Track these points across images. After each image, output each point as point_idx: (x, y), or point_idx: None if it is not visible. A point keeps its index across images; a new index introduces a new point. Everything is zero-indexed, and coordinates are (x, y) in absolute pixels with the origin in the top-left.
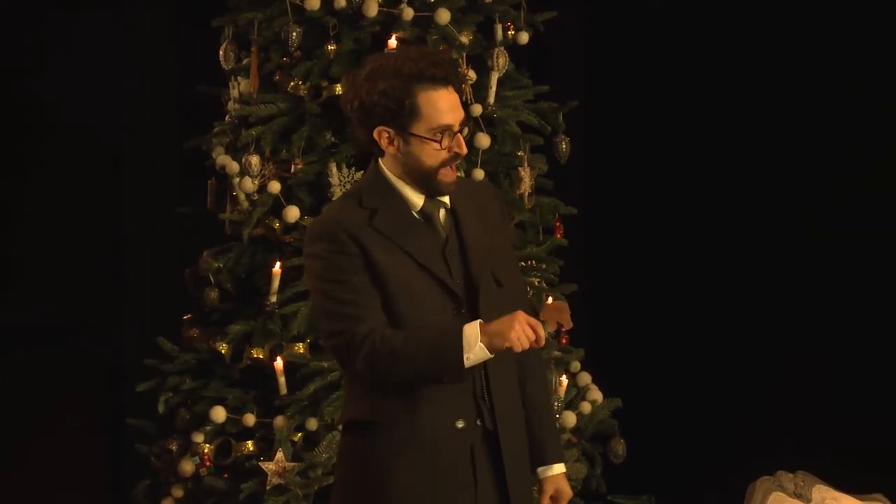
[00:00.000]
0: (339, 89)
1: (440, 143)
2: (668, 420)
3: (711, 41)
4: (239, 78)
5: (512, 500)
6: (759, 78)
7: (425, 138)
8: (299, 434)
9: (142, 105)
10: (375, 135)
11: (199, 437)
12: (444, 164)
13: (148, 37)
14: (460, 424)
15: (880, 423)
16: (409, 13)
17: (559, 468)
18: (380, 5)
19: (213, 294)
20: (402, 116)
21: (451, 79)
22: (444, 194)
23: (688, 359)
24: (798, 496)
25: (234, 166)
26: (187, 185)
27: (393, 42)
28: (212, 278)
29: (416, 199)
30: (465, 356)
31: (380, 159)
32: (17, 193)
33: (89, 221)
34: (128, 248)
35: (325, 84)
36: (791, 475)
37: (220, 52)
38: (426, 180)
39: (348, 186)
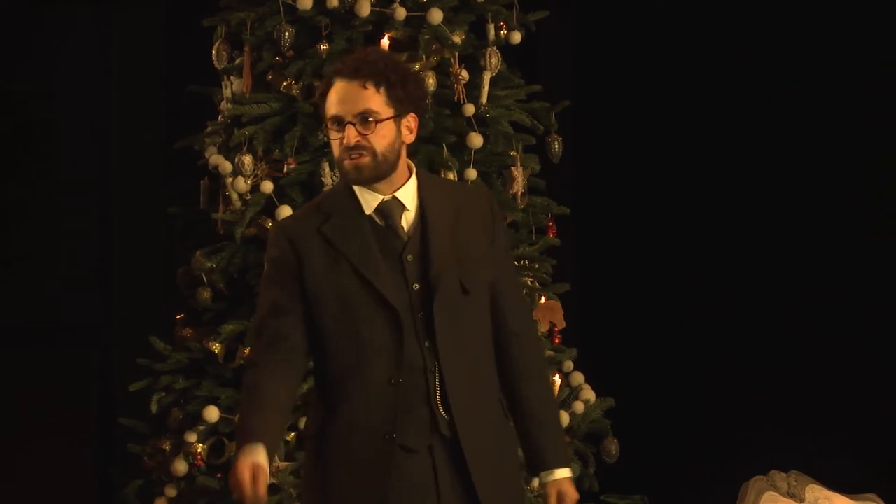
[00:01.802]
0: None
1: (330, 134)
2: (661, 419)
3: (702, 40)
4: (231, 77)
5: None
6: (749, 77)
7: (326, 131)
8: (292, 434)
9: (132, 105)
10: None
11: (192, 437)
12: (341, 156)
13: (138, 35)
14: (394, 435)
15: (873, 423)
16: (401, 13)
17: (563, 472)
18: (372, 5)
19: (206, 294)
20: (322, 113)
21: (357, 72)
22: (356, 184)
23: (680, 358)
24: (791, 496)
25: (226, 166)
26: (179, 185)
27: (385, 42)
28: (204, 278)
29: (372, 200)
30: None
31: None
32: (6, 193)
33: (80, 220)
34: (119, 247)
35: (317, 84)
36: (784, 475)
37: (213, 52)
38: (343, 173)
39: None
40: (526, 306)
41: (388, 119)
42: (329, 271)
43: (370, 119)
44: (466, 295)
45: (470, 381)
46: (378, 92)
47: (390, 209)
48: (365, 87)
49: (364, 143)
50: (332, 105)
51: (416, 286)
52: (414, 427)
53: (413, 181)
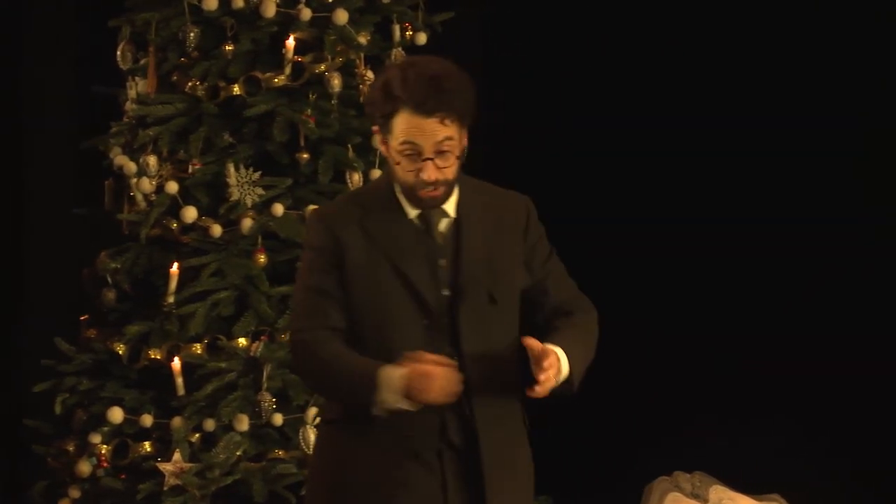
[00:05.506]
0: (236, 90)
1: (397, 156)
2: (565, 420)
3: (612, 40)
4: (136, 78)
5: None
6: (672, 79)
7: (393, 155)
8: (197, 435)
9: (38, 105)
10: (374, 129)
11: (96, 438)
12: (416, 185)
13: (44, 35)
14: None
15: (777, 423)
16: (306, 13)
17: (562, 353)
18: (277, 6)
19: (111, 294)
20: (385, 125)
21: (435, 111)
22: (430, 208)
23: None
24: (695, 496)
25: (131, 166)
26: (84, 186)
27: (291, 42)
28: (109, 279)
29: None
30: (377, 401)
31: None
32: None
33: None
34: (24, 248)
35: (222, 84)
36: (688, 475)
37: (118, 53)
38: (408, 194)
39: (246, 187)
40: (575, 287)
41: (461, 141)
42: (367, 264)
43: (448, 151)
44: (493, 305)
45: (494, 390)
46: (454, 122)
47: (433, 216)
48: (443, 123)
49: (442, 177)
50: (410, 133)
51: (446, 292)
52: (424, 430)
53: (456, 189)
